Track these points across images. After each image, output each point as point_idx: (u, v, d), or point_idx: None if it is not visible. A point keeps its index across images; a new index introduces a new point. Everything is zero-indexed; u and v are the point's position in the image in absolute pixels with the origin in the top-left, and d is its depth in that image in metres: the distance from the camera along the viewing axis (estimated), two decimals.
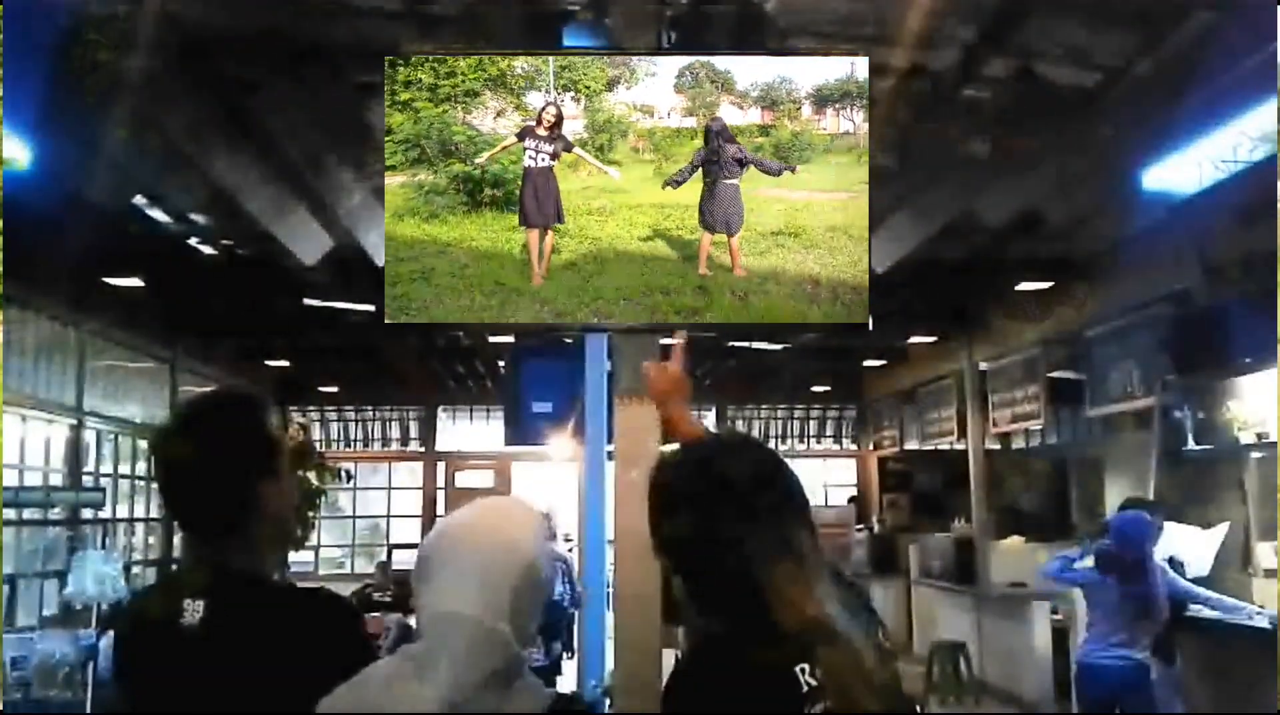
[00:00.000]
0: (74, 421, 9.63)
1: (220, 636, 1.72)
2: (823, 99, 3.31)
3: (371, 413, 16.82)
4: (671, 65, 3.37)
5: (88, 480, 9.86)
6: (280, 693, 1.61)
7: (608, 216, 3.30)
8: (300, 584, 1.93)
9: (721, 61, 3.37)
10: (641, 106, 3.35)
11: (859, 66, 3.33)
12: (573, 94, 3.33)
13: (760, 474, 1.61)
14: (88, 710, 7.09)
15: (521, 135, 3.29)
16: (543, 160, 3.26)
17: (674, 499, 1.62)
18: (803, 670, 1.46)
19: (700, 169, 3.26)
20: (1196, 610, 5.66)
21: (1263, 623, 5.50)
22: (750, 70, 3.33)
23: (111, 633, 2.15)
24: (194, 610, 1.73)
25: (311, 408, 16.12)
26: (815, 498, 15.21)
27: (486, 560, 1.55)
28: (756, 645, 1.50)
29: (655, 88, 3.34)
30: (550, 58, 3.42)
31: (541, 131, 3.27)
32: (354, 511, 16.57)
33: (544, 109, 3.28)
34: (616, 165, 3.31)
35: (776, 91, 3.32)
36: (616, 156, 3.33)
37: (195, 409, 1.93)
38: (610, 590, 4.19)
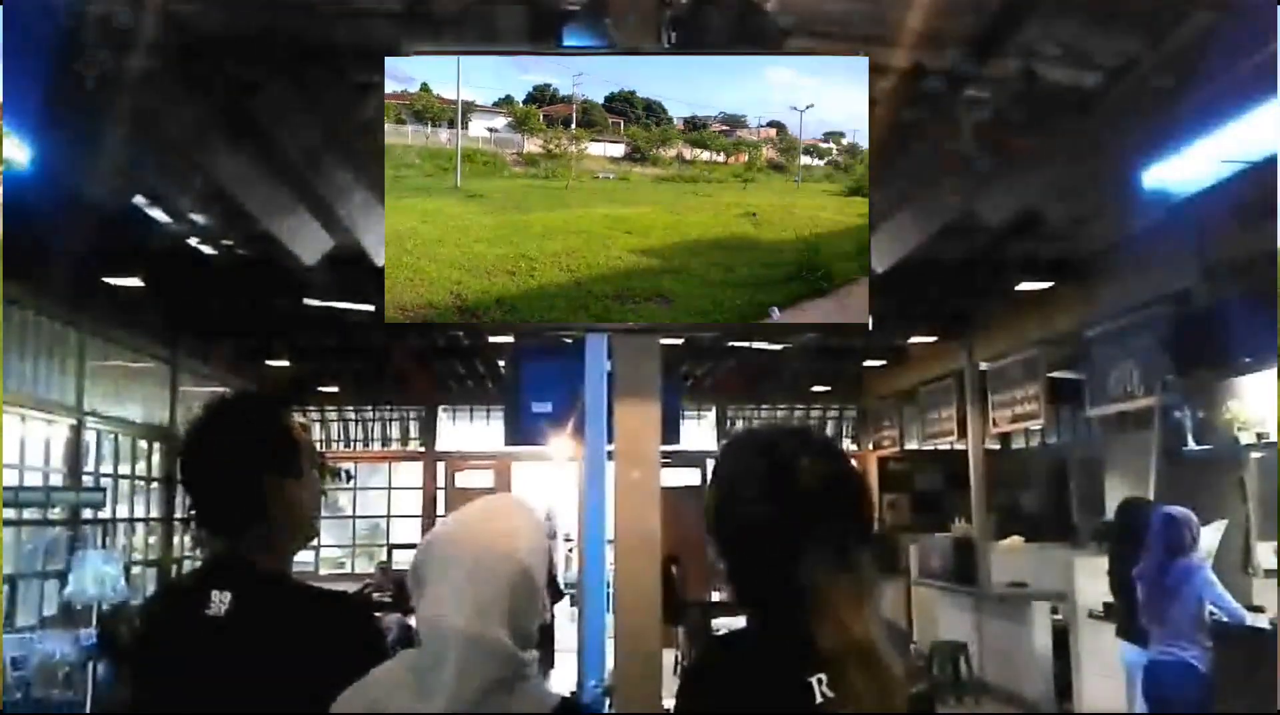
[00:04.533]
0: (74, 421, 9.63)
1: (244, 629, 1.75)
2: None
3: (371, 413, 16.81)
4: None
5: (88, 480, 9.86)
6: (296, 691, 1.63)
7: None
8: (307, 584, 1.95)
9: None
10: None
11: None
12: None
13: (836, 475, 1.55)
14: (88, 710, 7.09)
15: None
16: None
17: (739, 478, 1.56)
18: (819, 680, 1.43)
19: None
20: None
21: (1263, 623, 5.50)
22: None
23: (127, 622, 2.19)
24: (220, 601, 1.76)
25: (311, 408, 16.10)
26: None
27: (479, 569, 1.53)
28: (776, 648, 1.48)
29: None
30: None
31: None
32: (354, 511, 16.56)
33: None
34: None
35: None
36: None
37: (219, 410, 1.95)
38: (610, 590, 4.18)
